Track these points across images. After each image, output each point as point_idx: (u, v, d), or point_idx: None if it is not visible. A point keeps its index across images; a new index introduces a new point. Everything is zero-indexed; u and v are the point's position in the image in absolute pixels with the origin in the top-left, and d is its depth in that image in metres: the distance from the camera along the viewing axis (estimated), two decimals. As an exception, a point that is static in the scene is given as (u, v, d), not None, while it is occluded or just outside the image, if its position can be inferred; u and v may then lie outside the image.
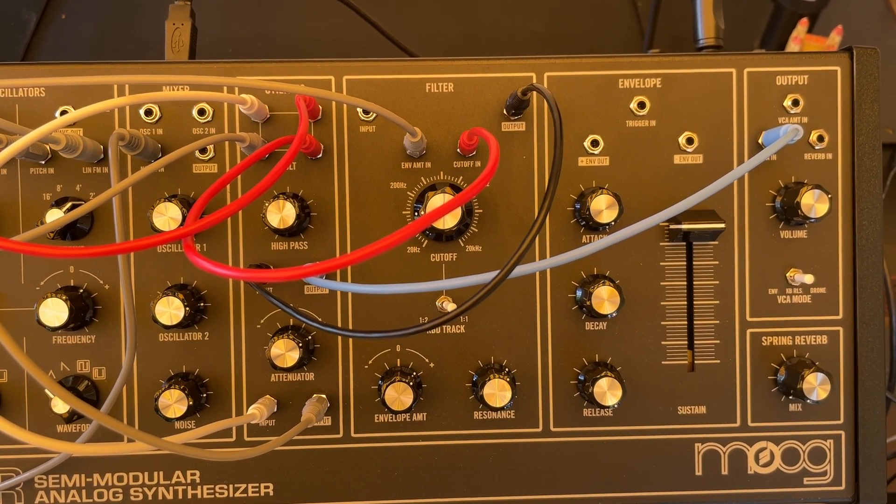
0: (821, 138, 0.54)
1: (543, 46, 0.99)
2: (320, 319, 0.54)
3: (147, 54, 0.96)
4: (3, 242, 0.34)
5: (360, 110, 0.54)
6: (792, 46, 0.91)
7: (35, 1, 0.96)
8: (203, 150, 0.53)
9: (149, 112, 0.53)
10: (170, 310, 0.51)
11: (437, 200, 0.51)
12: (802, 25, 0.89)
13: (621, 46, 0.98)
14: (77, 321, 0.52)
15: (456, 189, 0.53)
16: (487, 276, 0.43)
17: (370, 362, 0.55)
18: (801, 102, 0.54)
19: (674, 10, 0.90)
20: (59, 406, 0.51)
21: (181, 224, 0.50)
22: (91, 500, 0.54)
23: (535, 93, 0.53)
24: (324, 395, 0.54)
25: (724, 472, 0.56)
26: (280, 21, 0.97)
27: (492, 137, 0.44)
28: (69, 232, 0.52)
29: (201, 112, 0.53)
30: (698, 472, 0.56)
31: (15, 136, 0.49)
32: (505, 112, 0.54)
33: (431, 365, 0.55)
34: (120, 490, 0.54)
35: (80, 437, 0.51)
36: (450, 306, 0.54)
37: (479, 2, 0.98)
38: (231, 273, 0.36)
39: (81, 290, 0.53)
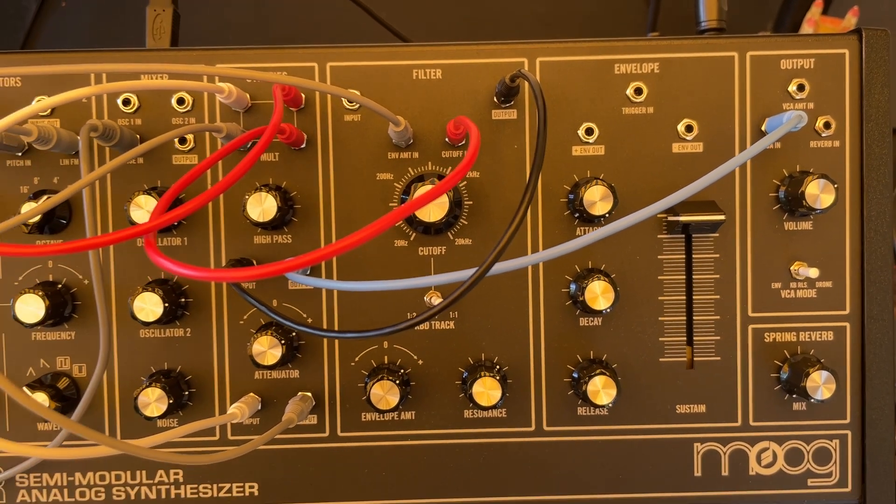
0: (827, 125, 0.52)
1: (546, 29, 0.96)
2: (306, 318, 0.53)
3: (144, 40, 0.95)
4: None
5: (344, 99, 0.52)
6: (806, 28, 0.89)
7: (35, -12, 0.95)
8: (183, 141, 0.52)
9: (126, 102, 0.51)
10: (148, 306, 0.49)
11: (426, 191, 0.49)
12: (817, 7, 0.87)
13: (627, 29, 0.96)
14: (55, 317, 0.50)
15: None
16: (468, 272, 0.41)
17: (357, 359, 0.53)
18: (807, 87, 0.52)
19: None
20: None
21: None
22: (73, 500, 0.53)
23: (521, 78, 0.50)
24: (309, 394, 0.53)
25: (725, 472, 0.54)
26: (280, 7, 0.95)
27: (473, 126, 0.42)
28: (46, 225, 0.51)
29: (180, 101, 0.52)
30: (697, 473, 0.54)
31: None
32: (495, 99, 0.52)
33: (420, 362, 0.53)
34: (102, 489, 0.53)
35: (57, 436, 0.50)
36: (439, 301, 0.52)
37: (482, -16, 0.96)
38: (193, 273, 0.34)
39: (60, 286, 0.52)
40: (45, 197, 0.50)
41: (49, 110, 0.51)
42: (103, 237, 0.34)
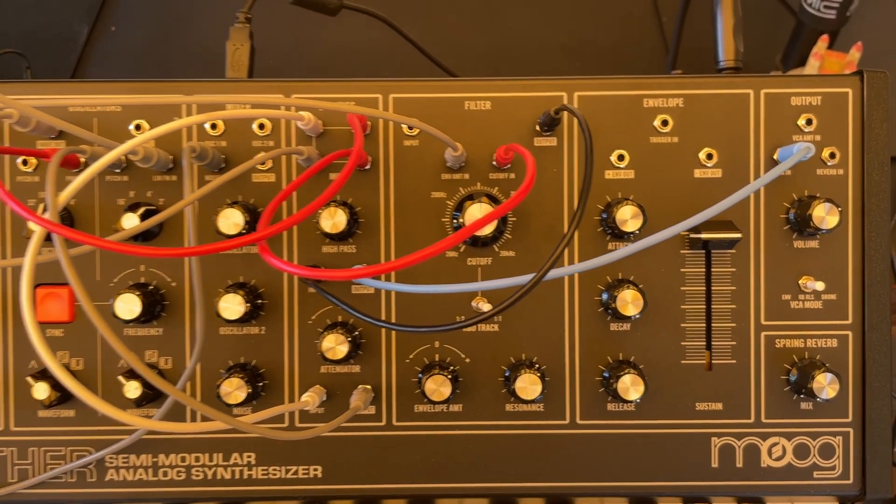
0: (832, 155, 0.58)
1: (569, 58, 1.02)
2: (377, 316, 0.59)
3: (193, 63, 1.01)
4: (105, 243, 0.39)
5: (404, 126, 0.59)
6: (812, 62, 0.93)
7: (86, 13, 1.01)
8: (262, 162, 0.58)
9: (213, 126, 0.58)
10: (232, 305, 0.56)
11: (475, 209, 0.55)
12: (823, 42, 0.91)
13: (646, 59, 1.01)
14: (147, 315, 0.57)
15: (492, 198, 0.57)
16: (522, 279, 0.48)
17: (411, 356, 0.60)
18: (815, 121, 0.59)
19: (696, 23, 0.94)
20: (131, 392, 0.56)
21: (244, 227, 0.55)
22: (156, 479, 0.59)
23: (565, 111, 0.57)
24: (369, 386, 0.59)
25: (739, 464, 0.60)
26: (315, 31, 1.01)
27: (529, 154, 0.49)
28: (142, 235, 0.58)
29: (261, 126, 0.59)
30: (714, 465, 0.60)
31: (96, 147, 0.54)
32: (537, 128, 0.59)
33: (467, 360, 0.60)
34: (183, 469, 0.59)
35: (155, 415, 0.56)
36: (485, 306, 0.58)
37: (509, 16, 1.02)
38: (299, 271, 0.41)
39: (151, 287, 0.58)
40: (142, 209, 0.57)
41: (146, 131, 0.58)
42: (229, 242, 0.41)
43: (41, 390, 0.56)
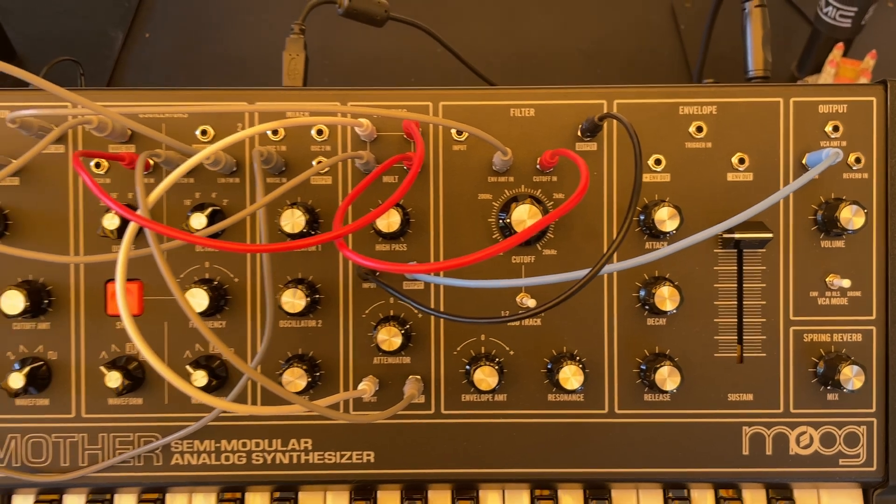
0: (858, 160, 0.62)
1: (591, 65, 1.05)
2: (417, 314, 0.63)
3: (223, 69, 1.05)
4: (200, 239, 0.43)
5: (453, 131, 0.62)
6: (828, 69, 0.96)
7: (121, 20, 1.05)
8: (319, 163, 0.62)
9: (275, 132, 0.62)
10: (294, 300, 0.59)
11: (522, 210, 0.59)
12: (838, 49, 0.94)
13: (664, 66, 1.05)
14: (213, 308, 0.61)
15: (536, 200, 0.61)
16: (573, 275, 0.52)
17: (458, 349, 0.63)
18: (841, 128, 0.62)
19: (715, 31, 0.97)
20: (199, 380, 0.60)
21: (304, 226, 0.59)
22: (218, 463, 0.63)
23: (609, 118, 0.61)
24: (419, 377, 0.63)
25: (769, 452, 0.63)
26: (343, 39, 1.05)
27: (581, 160, 0.53)
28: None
29: (319, 132, 0.62)
30: (745, 452, 0.63)
31: (169, 151, 0.58)
32: (579, 134, 0.62)
33: (511, 353, 0.63)
34: (244, 454, 0.63)
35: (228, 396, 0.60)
36: (529, 302, 0.62)
37: (532, 25, 1.06)
38: (372, 264, 0.45)
39: (216, 282, 0.62)
40: (209, 209, 0.60)
41: (212, 136, 0.62)
42: (311, 239, 0.45)
43: (114, 379, 0.60)
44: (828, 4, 0.91)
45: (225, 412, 0.62)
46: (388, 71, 1.04)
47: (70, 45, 1.04)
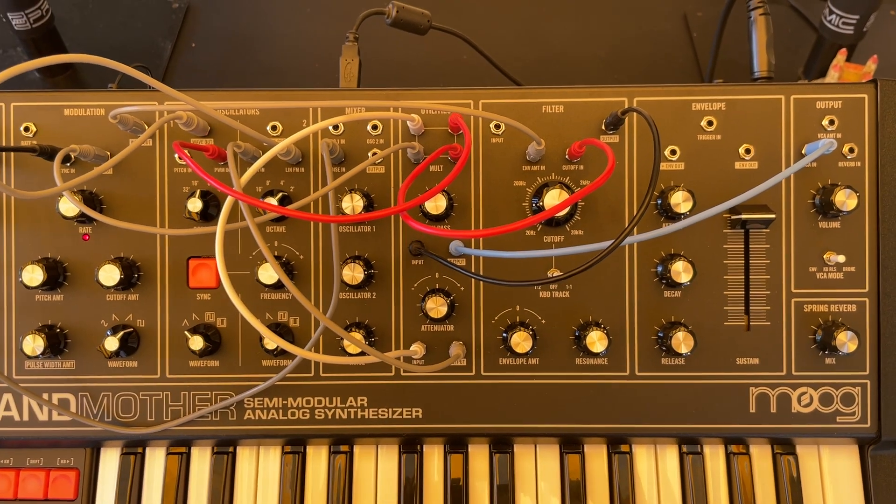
0: (851, 150, 0.70)
1: (608, 70, 1.12)
2: (458, 286, 0.71)
3: (267, 78, 1.13)
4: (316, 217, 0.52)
5: (492, 125, 0.71)
6: (832, 73, 1.01)
7: (169, 32, 1.14)
8: (373, 154, 0.71)
9: (336, 127, 0.71)
10: (353, 273, 0.68)
11: (553, 193, 0.67)
12: (842, 54, 0.99)
13: (678, 70, 1.11)
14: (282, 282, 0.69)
15: (565, 186, 0.69)
16: (598, 245, 0.60)
17: (496, 318, 0.71)
18: (836, 122, 0.70)
19: (725, 39, 1.04)
20: (271, 344, 0.68)
21: (362, 209, 0.67)
22: (285, 419, 0.72)
23: (631, 112, 0.69)
24: (461, 342, 0.71)
25: (773, 410, 0.71)
26: (371, 48, 1.13)
27: (608, 147, 0.61)
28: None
29: (374, 127, 0.71)
30: (752, 410, 0.71)
31: (247, 144, 0.67)
32: (603, 127, 0.71)
33: (543, 321, 0.71)
34: (307, 411, 0.72)
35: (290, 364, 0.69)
36: (557, 275, 0.70)
37: (551, 32, 1.13)
38: (431, 230, 0.55)
39: (283, 259, 0.71)
40: (280, 195, 0.69)
41: (280, 130, 0.71)
42: (376, 213, 0.54)
43: (196, 342, 0.69)
44: (831, 13, 0.97)
45: (291, 374, 0.70)
46: (419, 76, 1.11)
47: (123, 54, 1.13)
